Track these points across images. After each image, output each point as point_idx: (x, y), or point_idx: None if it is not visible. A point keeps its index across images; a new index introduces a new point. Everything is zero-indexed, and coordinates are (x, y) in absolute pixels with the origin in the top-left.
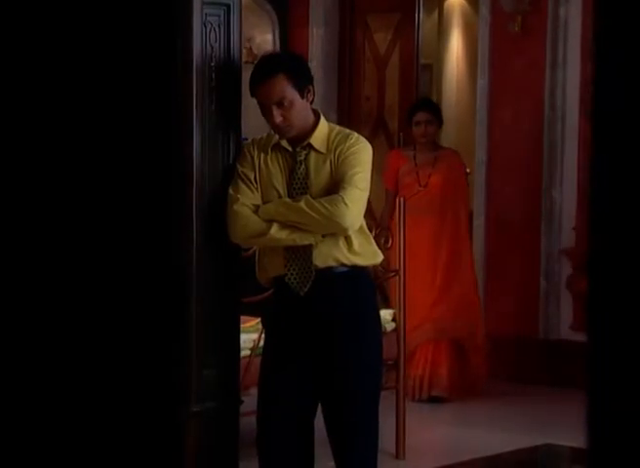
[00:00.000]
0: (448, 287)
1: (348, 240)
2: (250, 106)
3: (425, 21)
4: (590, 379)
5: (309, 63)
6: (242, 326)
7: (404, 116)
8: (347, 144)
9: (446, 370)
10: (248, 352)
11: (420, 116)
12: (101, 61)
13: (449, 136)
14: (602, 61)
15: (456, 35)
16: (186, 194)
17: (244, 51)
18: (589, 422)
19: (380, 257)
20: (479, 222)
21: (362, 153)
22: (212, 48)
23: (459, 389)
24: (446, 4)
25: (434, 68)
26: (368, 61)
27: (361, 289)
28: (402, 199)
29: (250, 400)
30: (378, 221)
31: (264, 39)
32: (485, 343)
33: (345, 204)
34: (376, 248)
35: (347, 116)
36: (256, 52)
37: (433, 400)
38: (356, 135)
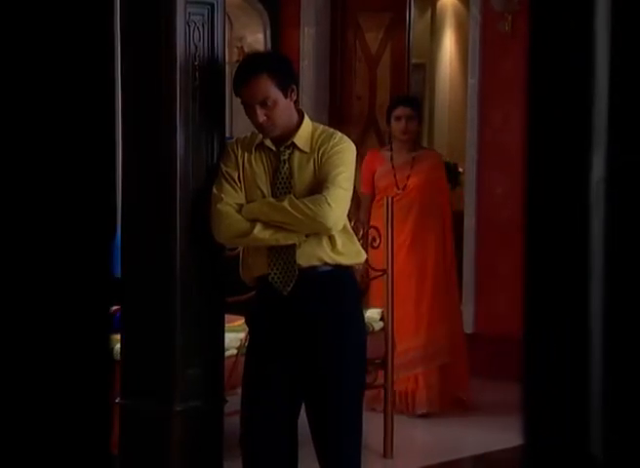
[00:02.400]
0: (432, 311)
1: (332, 239)
2: (240, 106)
3: (418, 21)
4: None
5: (301, 63)
6: (229, 325)
7: None
8: (331, 144)
9: (429, 386)
10: (235, 351)
11: (401, 111)
12: (86, 60)
13: (442, 135)
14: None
15: (448, 34)
16: (170, 193)
17: (235, 50)
18: (525, 418)
19: (363, 256)
20: (470, 222)
21: (345, 153)
22: (195, 47)
23: (443, 404)
24: (439, 3)
25: (427, 68)
26: (359, 61)
27: (344, 288)
28: (390, 197)
29: (235, 399)
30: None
31: (256, 39)
32: (466, 357)
33: (329, 204)
34: (359, 247)
35: (339, 115)
36: (247, 51)
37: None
38: (340, 134)
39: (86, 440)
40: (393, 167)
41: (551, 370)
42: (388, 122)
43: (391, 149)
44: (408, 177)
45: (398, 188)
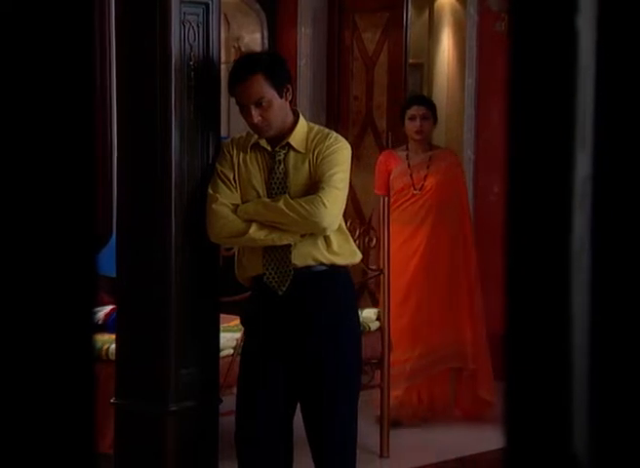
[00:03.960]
0: (446, 316)
1: (327, 240)
2: (236, 106)
3: (416, 20)
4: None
5: (298, 63)
6: (226, 325)
7: (393, 115)
8: (326, 144)
9: (446, 397)
10: (231, 351)
11: (416, 110)
12: (82, 60)
13: (439, 135)
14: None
15: (446, 34)
16: (165, 193)
17: (232, 50)
18: (507, 419)
19: (358, 256)
20: None
21: (341, 153)
22: (190, 47)
23: (463, 414)
24: (436, 3)
25: (425, 67)
26: (356, 61)
27: (340, 287)
28: (385, 198)
29: (231, 399)
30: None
31: (253, 38)
32: (490, 369)
33: (324, 204)
34: (354, 247)
35: (336, 116)
36: (244, 51)
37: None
38: (335, 134)
39: (68, 440)
40: (409, 166)
41: (533, 367)
42: (401, 122)
43: (407, 149)
44: (425, 178)
45: (415, 189)
